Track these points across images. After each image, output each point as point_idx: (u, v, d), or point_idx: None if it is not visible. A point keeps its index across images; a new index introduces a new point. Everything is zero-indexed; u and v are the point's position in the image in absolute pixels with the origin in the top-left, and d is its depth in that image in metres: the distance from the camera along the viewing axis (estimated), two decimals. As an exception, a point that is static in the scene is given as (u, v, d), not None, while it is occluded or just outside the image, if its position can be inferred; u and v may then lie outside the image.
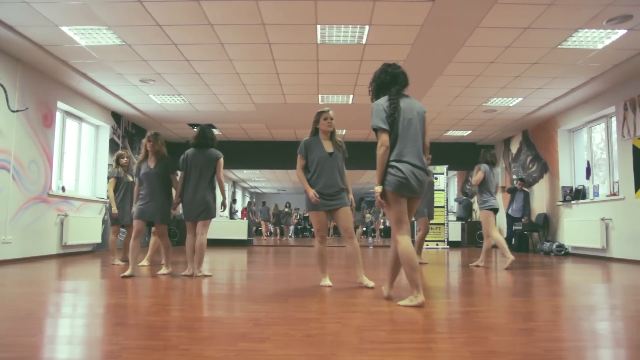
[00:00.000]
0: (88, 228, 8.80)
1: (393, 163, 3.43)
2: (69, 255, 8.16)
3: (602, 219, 8.37)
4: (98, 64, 7.37)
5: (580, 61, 7.07)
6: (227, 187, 23.37)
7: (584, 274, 6.17)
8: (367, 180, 23.41)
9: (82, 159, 9.47)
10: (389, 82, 3.60)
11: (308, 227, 25.05)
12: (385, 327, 2.87)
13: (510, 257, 6.52)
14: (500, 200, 13.25)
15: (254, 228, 19.32)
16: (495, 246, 7.07)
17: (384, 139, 3.43)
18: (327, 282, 4.50)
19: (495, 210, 6.89)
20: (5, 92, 6.64)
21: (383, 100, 3.55)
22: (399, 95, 3.56)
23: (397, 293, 4.14)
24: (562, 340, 2.58)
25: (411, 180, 3.40)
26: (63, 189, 8.34)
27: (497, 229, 7.01)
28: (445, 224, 12.71)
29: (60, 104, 8.25)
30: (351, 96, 9.02)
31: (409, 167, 3.42)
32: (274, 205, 20.56)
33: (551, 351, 2.31)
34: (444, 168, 12.82)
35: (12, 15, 5.71)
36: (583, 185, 9.46)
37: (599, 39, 6.25)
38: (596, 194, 8.94)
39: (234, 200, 21.83)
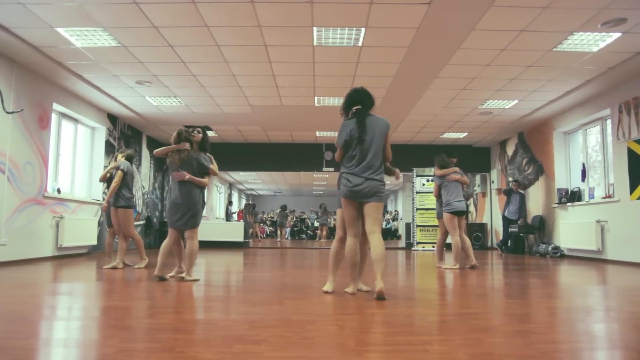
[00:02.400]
0: (83, 230, 8.76)
1: (345, 175, 4.05)
2: (65, 257, 8.13)
3: (598, 221, 8.40)
4: (94, 66, 7.36)
5: (575, 64, 7.10)
6: (224, 190, 23.35)
7: (580, 276, 6.19)
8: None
9: (77, 161, 9.43)
10: (357, 104, 4.14)
11: (304, 229, 25.07)
12: (382, 329, 2.87)
13: (455, 265, 6.78)
14: (496, 202, 13.29)
15: (250, 231, 19.32)
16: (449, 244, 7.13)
17: (339, 154, 4.17)
18: (329, 287, 4.33)
19: (456, 213, 6.86)
20: (0, 93, 6.61)
21: (345, 121, 4.12)
22: (359, 116, 4.06)
23: (395, 293, 4.14)
24: (558, 342, 2.59)
25: (358, 188, 3.97)
26: (58, 190, 8.31)
27: (461, 233, 6.95)
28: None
29: (56, 106, 8.22)
30: (347, 98, 9.02)
31: (357, 178, 3.98)
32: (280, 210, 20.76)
33: (547, 353, 2.31)
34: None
35: (7, 17, 5.69)
36: (578, 188, 9.50)
37: (593, 42, 6.28)
38: (591, 196, 8.98)
39: (229, 202, 21.82)
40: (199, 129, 5.29)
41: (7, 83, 6.83)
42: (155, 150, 5.23)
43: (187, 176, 5.00)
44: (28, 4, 5.35)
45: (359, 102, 4.13)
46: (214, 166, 5.29)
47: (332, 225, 21.26)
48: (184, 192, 5.03)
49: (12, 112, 6.86)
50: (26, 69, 7.25)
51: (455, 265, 6.78)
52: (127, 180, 6.46)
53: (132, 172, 6.64)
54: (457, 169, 7.14)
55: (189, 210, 5.04)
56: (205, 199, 5.37)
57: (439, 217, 7.20)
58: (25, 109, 7.20)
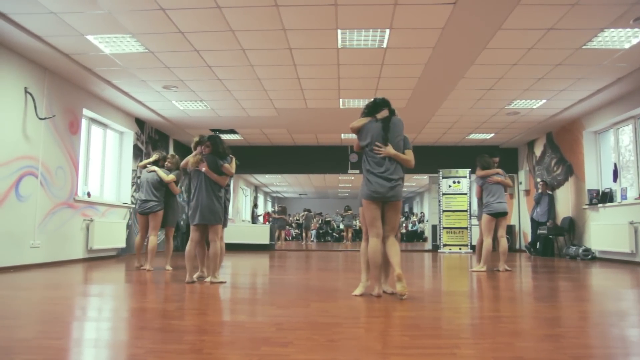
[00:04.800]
0: (112, 233, 8.94)
1: (367, 176, 4.20)
2: (94, 259, 8.30)
3: (631, 223, 8.17)
4: (122, 71, 7.51)
5: (606, 61, 6.93)
6: (249, 192, 23.51)
7: (612, 279, 6.03)
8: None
9: (106, 165, 9.63)
10: (382, 109, 4.38)
11: (330, 231, 25.08)
12: (409, 332, 2.85)
13: (482, 268, 6.66)
14: (524, 204, 13.06)
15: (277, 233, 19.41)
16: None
17: (357, 146, 4.43)
18: (360, 290, 4.29)
19: (495, 215, 6.75)
20: (33, 100, 6.80)
21: (370, 122, 4.33)
22: (385, 118, 4.28)
23: (422, 295, 4.10)
24: (590, 347, 2.52)
25: (380, 189, 4.10)
26: (88, 194, 8.49)
27: (501, 234, 6.81)
28: (468, 228, 12.59)
29: (86, 111, 8.41)
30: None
31: (379, 179, 4.13)
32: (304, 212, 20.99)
33: (579, 358, 2.26)
34: (466, 171, 12.73)
35: (40, 26, 5.85)
36: (610, 188, 9.25)
37: (625, 38, 6.12)
38: (624, 196, 8.74)
39: (255, 205, 21.96)
40: (208, 143, 5.29)
41: (40, 90, 7.02)
42: (181, 163, 5.49)
43: (205, 168, 5.15)
44: (60, 14, 5.49)
45: (382, 106, 4.36)
46: (228, 165, 5.33)
47: (357, 227, 21.20)
48: (202, 189, 5.15)
49: (45, 118, 7.05)
50: (57, 76, 7.44)
51: (482, 267, 6.69)
52: (139, 185, 6.74)
53: (144, 178, 6.76)
54: (499, 170, 7.02)
55: (207, 205, 5.11)
56: (229, 198, 5.45)
57: (480, 218, 7.08)
58: (57, 114, 7.39)
